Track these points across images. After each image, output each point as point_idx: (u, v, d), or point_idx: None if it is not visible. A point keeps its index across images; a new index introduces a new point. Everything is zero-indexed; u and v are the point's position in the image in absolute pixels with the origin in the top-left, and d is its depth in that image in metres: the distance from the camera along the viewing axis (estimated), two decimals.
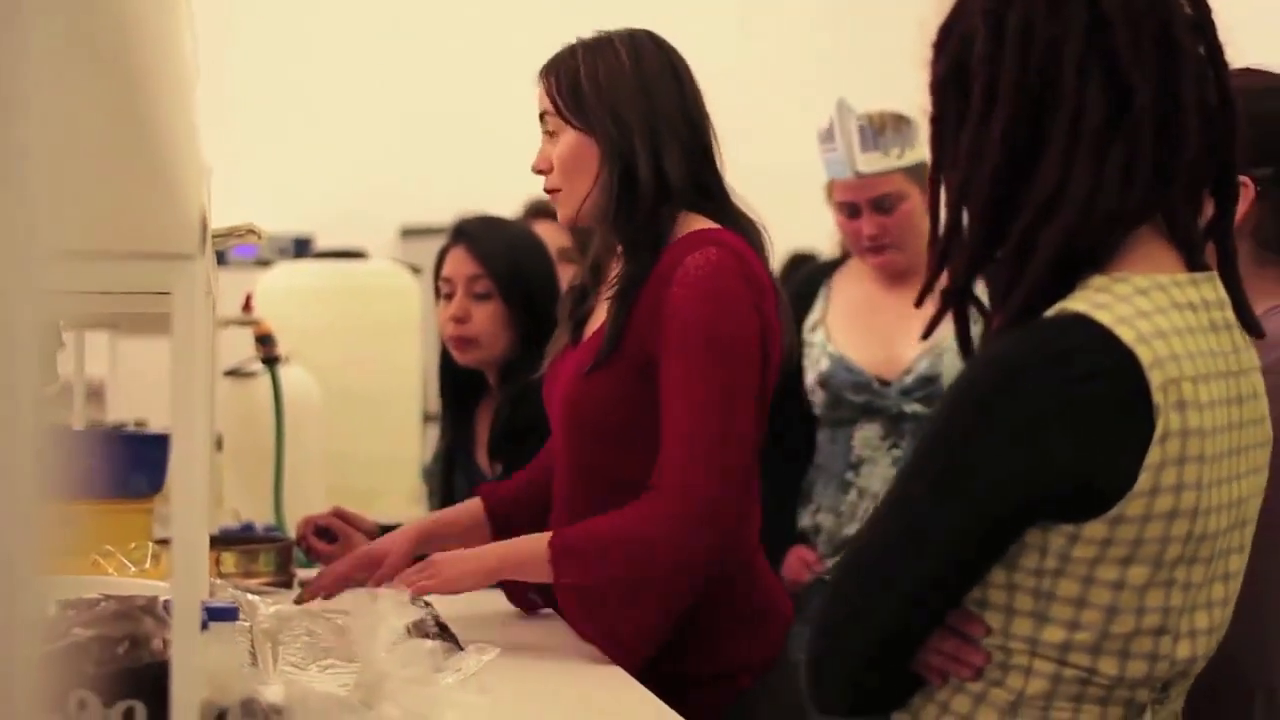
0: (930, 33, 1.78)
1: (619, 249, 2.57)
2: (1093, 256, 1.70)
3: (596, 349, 2.51)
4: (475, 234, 3.35)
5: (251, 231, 2.35)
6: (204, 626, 1.67)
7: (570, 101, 2.54)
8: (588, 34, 2.61)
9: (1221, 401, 1.69)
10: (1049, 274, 1.68)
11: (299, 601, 2.51)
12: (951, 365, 3.41)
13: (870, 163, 3.44)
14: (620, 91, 2.52)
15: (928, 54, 1.79)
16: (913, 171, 3.47)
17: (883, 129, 3.43)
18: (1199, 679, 1.81)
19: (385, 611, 1.71)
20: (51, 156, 0.55)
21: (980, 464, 1.67)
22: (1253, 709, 2.01)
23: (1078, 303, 1.66)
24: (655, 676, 2.40)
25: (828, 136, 3.49)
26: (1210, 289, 1.73)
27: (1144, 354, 1.62)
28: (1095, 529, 1.64)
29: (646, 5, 7.01)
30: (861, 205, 3.50)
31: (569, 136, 2.55)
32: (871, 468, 3.47)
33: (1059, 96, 1.68)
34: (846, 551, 1.81)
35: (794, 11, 7.73)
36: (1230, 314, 1.75)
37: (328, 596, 2.55)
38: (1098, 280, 1.68)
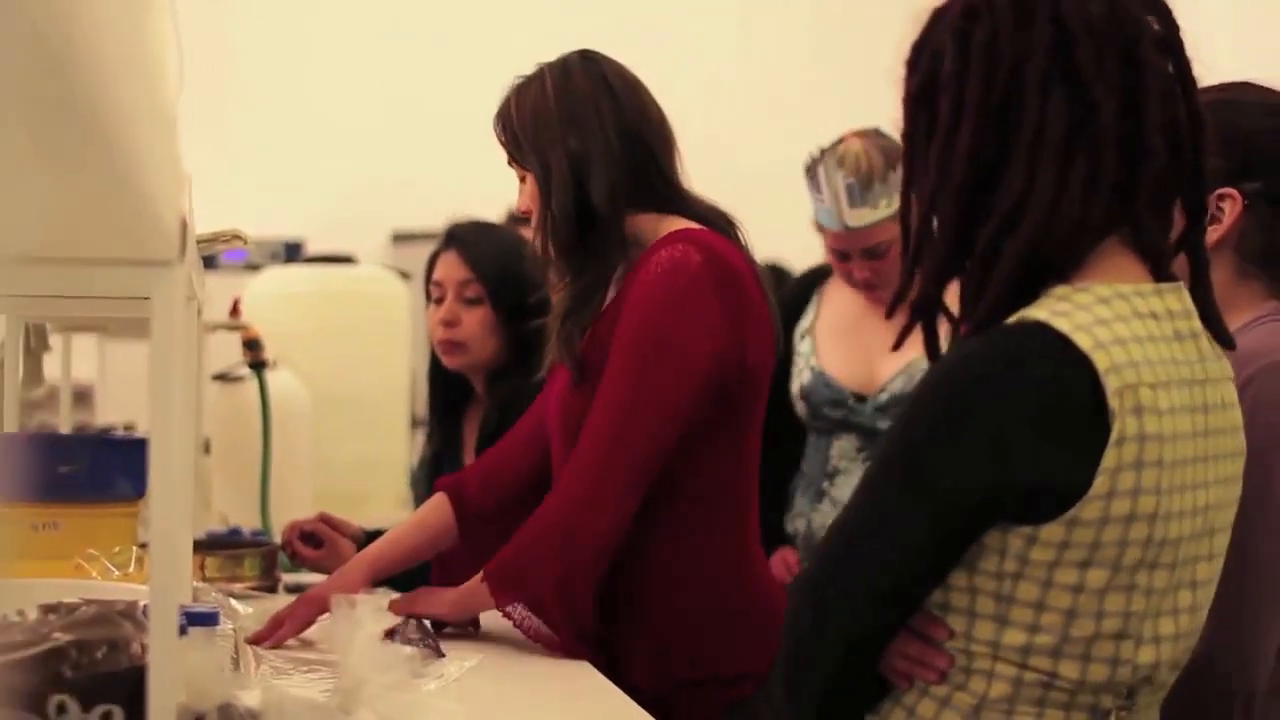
0: (904, 50, 1.81)
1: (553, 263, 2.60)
2: (1057, 267, 1.73)
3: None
4: (467, 239, 3.35)
5: (237, 237, 2.35)
6: (183, 631, 1.67)
7: (513, 147, 2.61)
8: (525, 71, 2.64)
9: (1184, 409, 1.71)
10: (1012, 283, 1.72)
11: (251, 642, 2.48)
12: None
13: (860, 218, 3.44)
14: (542, 127, 2.56)
15: (901, 71, 1.82)
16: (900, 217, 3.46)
17: (869, 183, 3.42)
18: (1177, 686, 1.82)
19: (363, 617, 1.71)
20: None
21: (940, 466, 1.70)
22: (1232, 716, 2.02)
23: (1038, 310, 1.69)
24: (657, 682, 2.46)
25: (814, 184, 3.50)
26: (1175, 299, 1.76)
27: (1100, 359, 1.65)
28: (1052, 531, 1.67)
29: (645, 6, 7.02)
30: (852, 254, 3.52)
31: (529, 178, 2.60)
32: (846, 479, 3.50)
33: (1023, 111, 1.71)
34: (812, 555, 1.84)
35: (794, 12, 7.73)
36: (1196, 324, 1.77)
37: (274, 646, 2.52)
38: (1060, 290, 1.71)
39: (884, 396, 3.52)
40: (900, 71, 1.81)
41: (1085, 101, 1.70)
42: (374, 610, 1.73)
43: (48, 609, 1.67)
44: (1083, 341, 1.66)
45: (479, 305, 3.30)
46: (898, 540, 1.73)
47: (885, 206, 3.41)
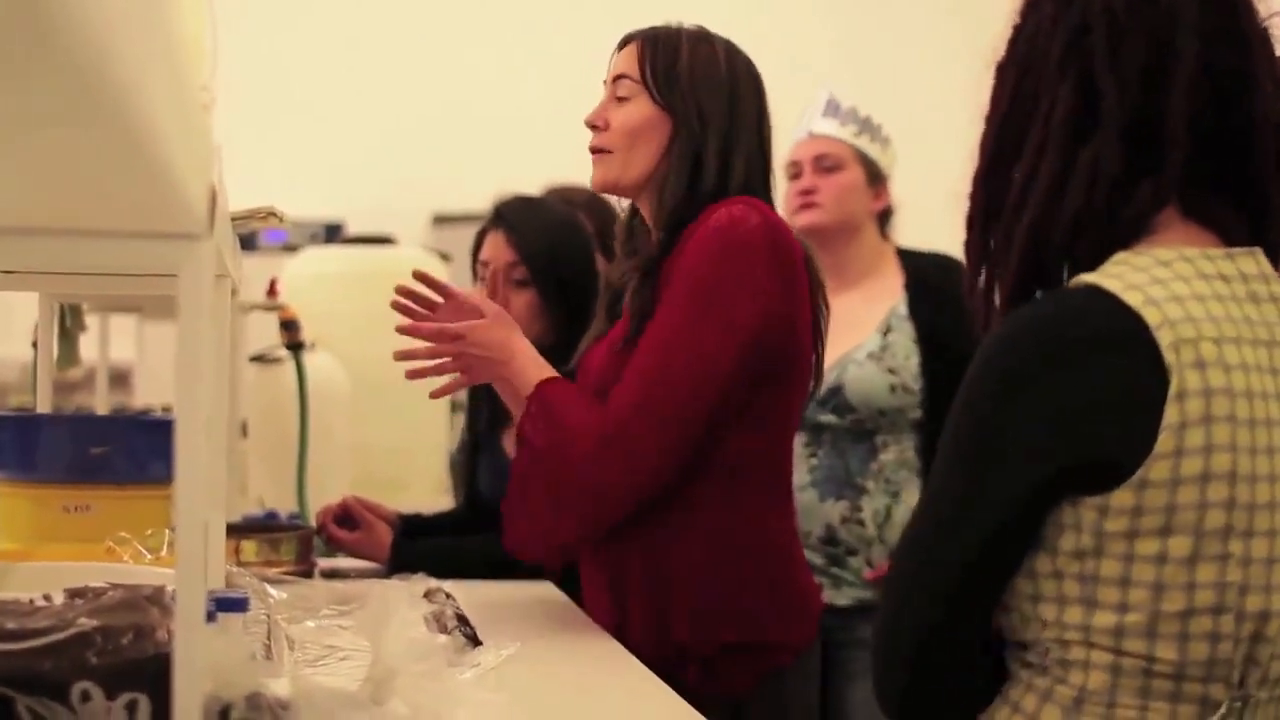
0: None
1: (652, 225, 2.61)
2: (1072, 254, 1.73)
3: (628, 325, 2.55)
4: (514, 219, 3.31)
5: (273, 214, 2.31)
6: (211, 617, 1.63)
7: (663, 77, 2.60)
8: (689, 24, 2.66)
9: (1261, 368, 1.65)
10: (1022, 271, 1.73)
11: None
12: (854, 377, 3.52)
13: (824, 126, 3.66)
14: (711, 86, 2.59)
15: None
16: (861, 155, 3.66)
17: (851, 112, 3.67)
18: None
19: (397, 603, 1.66)
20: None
21: (1000, 434, 1.67)
22: None
23: (1091, 274, 1.68)
24: (704, 646, 2.50)
25: (803, 116, 3.73)
26: (1251, 263, 1.71)
27: (1151, 315, 1.62)
28: (1123, 497, 1.61)
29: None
30: (805, 164, 3.65)
31: (646, 107, 2.60)
32: (793, 473, 3.47)
33: (1039, 98, 1.73)
34: (900, 537, 1.79)
35: (793, 12, 7.67)
36: (1277, 288, 1.71)
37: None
38: (1120, 255, 1.70)
39: (823, 390, 3.51)
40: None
41: (1094, 89, 1.70)
42: (408, 596, 1.69)
43: (73, 593, 1.64)
44: (1133, 299, 1.63)
45: (525, 288, 3.26)
46: (972, 525, 1.68)
47: (852, 134, 3.65)
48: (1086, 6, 1.72)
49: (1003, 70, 1.79)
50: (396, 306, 2.65)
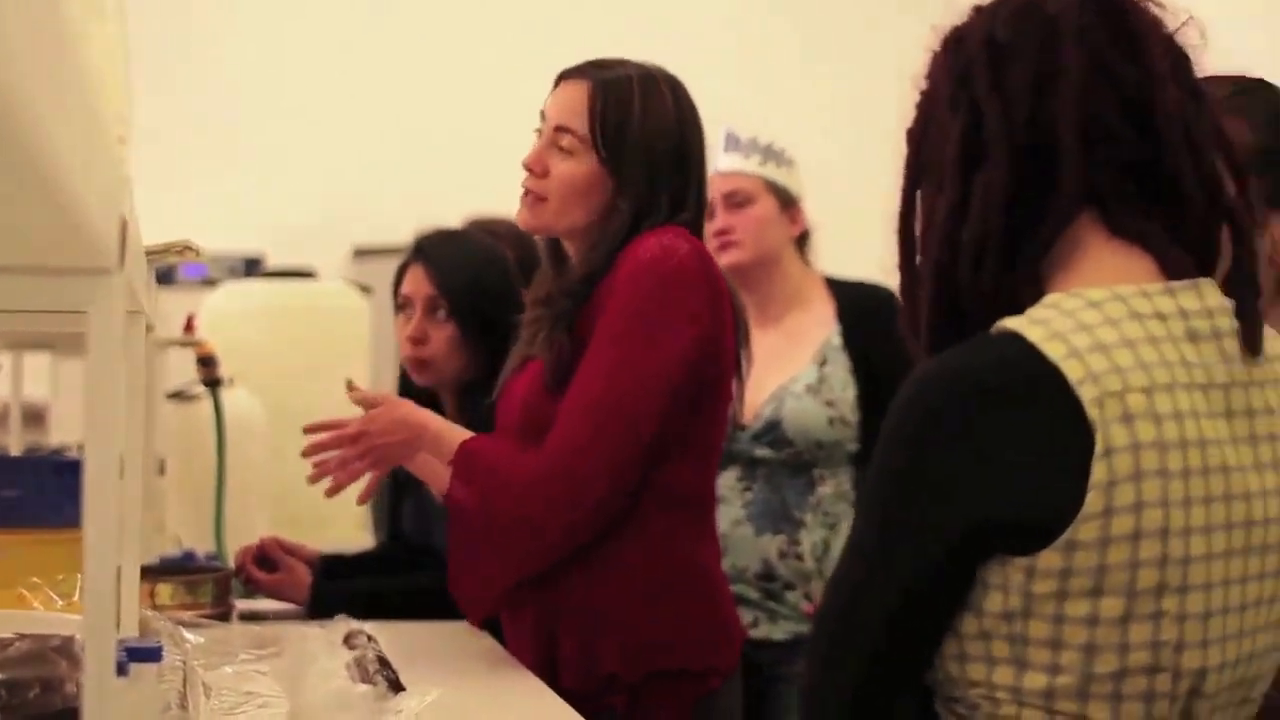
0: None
1: (576, 261, 2.62)
2: (1031, 264, 1.68)
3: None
4: (434, 253, 3.26)
5: (189, 248, 2.24)
6: (123, 669, 1.57)
7: (613, 142, 2.57)
8: (629, 61, 2.63)
9: (1198, 413, 1.59)
10: (938, 307, 1.69)
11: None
12: (792, 410, 3.50)
13: (728, 162, 3.64)
14: (663, 145, 2.58)
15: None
16: (770, 185, 3.64)
17: (752, 142, 3.66)
18: None
19: (316, 652, 1.61)
20: None
21: (915, 502, 1.61)
22: None
23: (1017, 320, 1.61)
24: (632, 672, 2.51)
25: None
26: (1191, 298, 1.63)
27: (1072, 369, 1.55)
28: (1049, 559, 1.55)
29: (612, 20, 6.96)
30: (716, 203, 3.62)
31: (590, 165, 2.58)
32: (726, 508, 3.47)
33: (937, 145, 1.70)
34: (820, 600, 1.75)
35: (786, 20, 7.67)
36: (1224, 322, 1.64)
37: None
38: (1051, 296, 1.64)
39: (759, 424, 3.49)
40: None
41: (978, 113, 1.67)
42: (327, 645, 1.63)
43: None
44: (1054, 350, 1.56)
45: (447, 322, 3.21)
46: (890, 588, 1.63)
47: (757, 164, 3.63)
48: (970, 41, 1.70)
49: (910, 136, 1.76)
50: (310, 449, 2.65)
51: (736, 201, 3.61)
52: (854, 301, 3.59)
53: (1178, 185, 1.66)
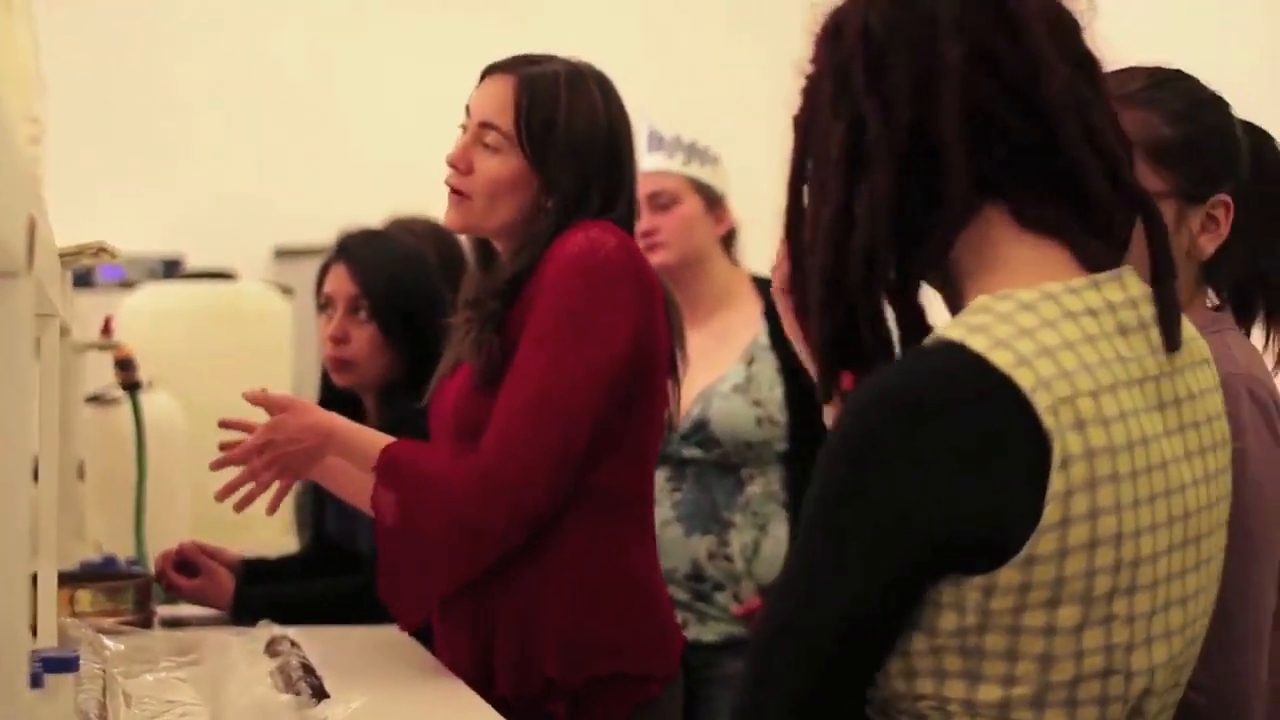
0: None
1: (505, 258, 2.58)
2: (933, 263, 1.63)
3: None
4: (356, 252, 3.23)
5: (104, 250, 2.21)
6: (37, 680, 1.53)
7: (539, 139, 2.53)
8: (556, 57, 2.59)
9: (1138, 410, 1.56)
10: (830, 317, 1.63)
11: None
12: (719, 410, 3.49)
13: (652, 162, 3.59)
14: (590, 144, 2.53)
15: None
16: (695, 183, 3.62)
17: (676, 141, 3.62)
18: None
19: (238, 659, 1.57)
20: None
21: (859, 520, 1.55)
22: None
23: (954, 328, 1.55)
24: (571, 675, 2.47)
25: None
26: (1115, 289, 1.60)
27: (1024, 378, 1.50)
28: (1009, 575, 1.50)
29: (536, 17, 6.93)
30: (640, 204, 3.54)
31: (515, 163, 2.54)
32: (656, 508, 3.42)
33: (818, 145, 1.65)
34: (758, 619, 1.68)
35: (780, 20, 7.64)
36: (1146, 311, 1.61)
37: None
38: (980, 300, 1.57)
39: (687, 425, 3.48)
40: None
41: (859, 116, 1.61)
42: (247, 654, 1.60)
43: None
44: (1001, 359, 1.50)
45: (369, 322, 3.18)
46: (831, 606, 1.56)
47: (681, 164, 3.60)
48: (847, 31, 1.64)
49: (795, 123, 1.70)
50: (218, 464, 2.62)
51: (661, 203, 3.58)
52: None
53: (1077, 169, 1.61)
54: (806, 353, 1.78)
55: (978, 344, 1.52)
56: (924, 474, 1.51)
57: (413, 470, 2.46)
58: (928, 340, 1.57)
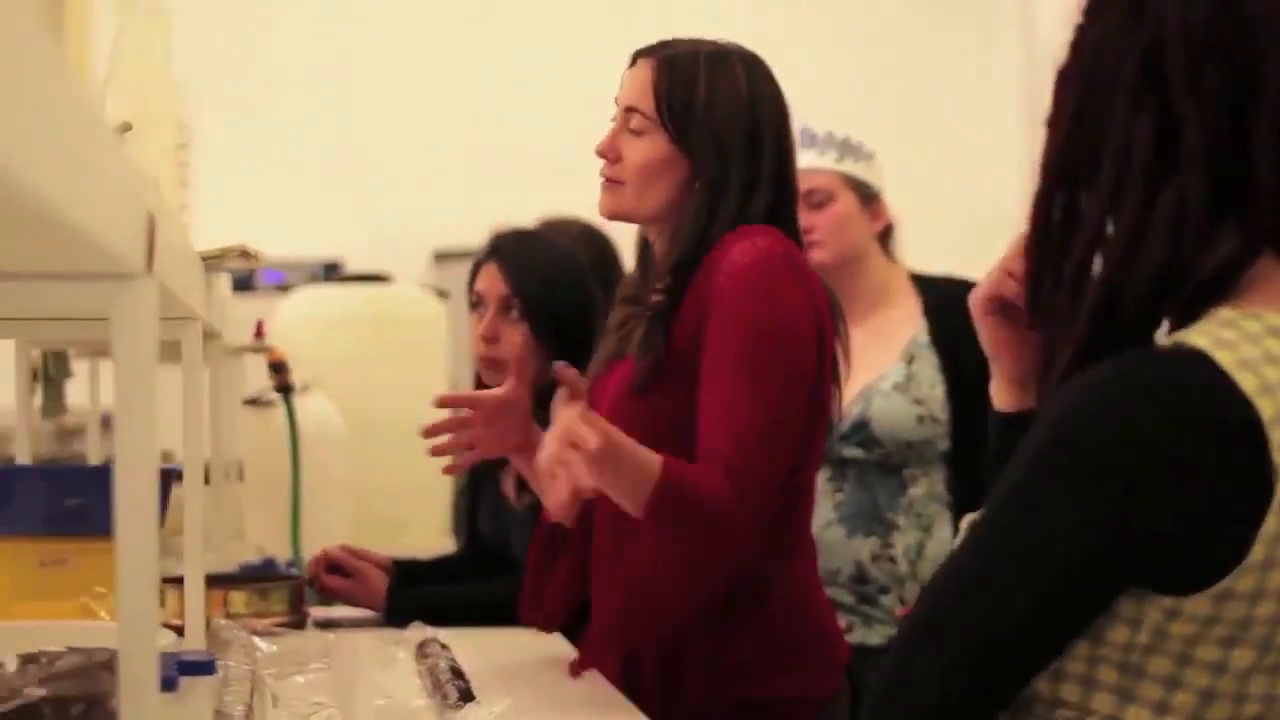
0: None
1: (661, 257, 2.51)
2: (1210, 289, 1.48)
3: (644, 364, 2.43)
4: (509, 252, 3.21)
5: (245, 253, 2.22)
6: (170, 683, 1.54)
7: (678, 113, 2.47)
8: (704, 40, 2.53)
9: None
10: (1095, 330, 1.49)
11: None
12: (880, 409, 3.43)
13: (805, 160, 3.46)
14: (732, 120, 2.46)
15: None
16: (849, 180, 3.56)
17: (828, 137, 3.57)
18: None
19: (385, 663, 1.57)
20: None
21: (1050, 515, 1.46)
22: None
23: (1199, 335, 1.45)
24: (721, 697, 2.39)
25: None
26: None
27: (1265, 407, 1.40)
28: (1199, 604, 1.42)
29: (679, 9, 6.93)
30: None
31: (660, 144, 2.48)
32: (816, 509, 3.36)
33: (1108, 124, 1.50)
34: (912, 607, 1.61)
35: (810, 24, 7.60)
36: None
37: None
38: (1225, 313, 1.46)
39: (846, 425, 3.42)
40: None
41: (1173, 117, 1.47)
42: (399, 653, 1.59)
43: (26, 659, 1.55)
44: (1246, 382, 1.40)
45: (520, 322, 3.17)
46: (994, 604, 1.48)
47: (834, 160, 3.55)
48: (1161, 19, 1.48)
49: (1064, 79, 1.55)
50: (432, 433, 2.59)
51: (815, 201, 3.51)
52: (941, 297, 3.50)
53: None
54: (1001, 373, 1.69)
55: (1224, 359, 1.42)
56: (1128, 477, 1.43)
57: (692, 497, 2.26)
58: (1164, 342, 1.48)
